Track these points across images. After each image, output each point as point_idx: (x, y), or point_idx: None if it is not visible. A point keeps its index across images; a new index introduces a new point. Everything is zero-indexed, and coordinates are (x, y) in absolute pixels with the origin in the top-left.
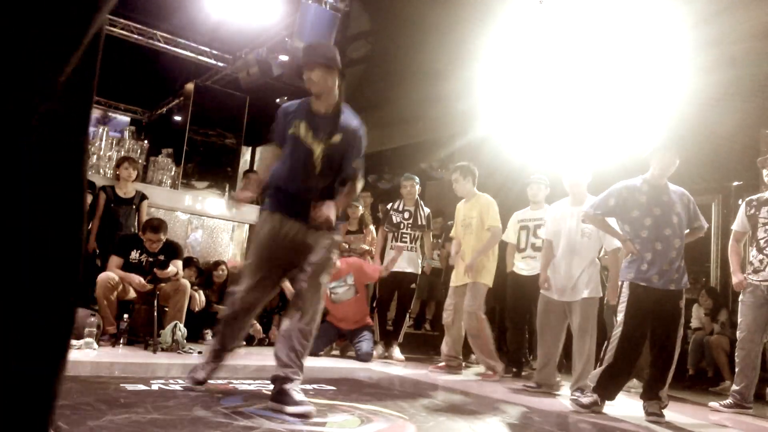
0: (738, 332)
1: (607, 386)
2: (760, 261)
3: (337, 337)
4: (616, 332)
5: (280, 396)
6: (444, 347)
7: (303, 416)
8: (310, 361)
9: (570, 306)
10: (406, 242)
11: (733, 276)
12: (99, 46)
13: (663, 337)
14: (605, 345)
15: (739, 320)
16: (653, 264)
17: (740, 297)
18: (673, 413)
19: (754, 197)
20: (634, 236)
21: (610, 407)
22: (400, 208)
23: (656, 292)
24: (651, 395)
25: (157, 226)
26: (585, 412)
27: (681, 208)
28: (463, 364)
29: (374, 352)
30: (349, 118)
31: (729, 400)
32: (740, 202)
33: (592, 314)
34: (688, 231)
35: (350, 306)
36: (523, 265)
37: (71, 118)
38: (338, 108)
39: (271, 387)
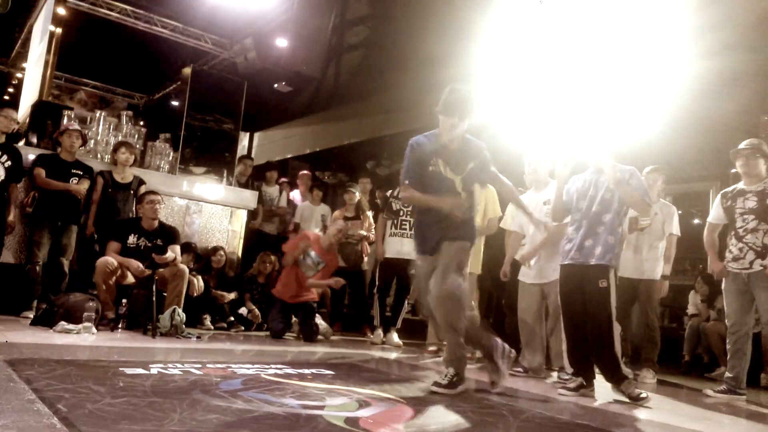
0: (726, 320)
1: (580, 369)
2: (740, 249)
3: (291, 314)
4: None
5: None
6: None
7: None
8: (308, 347)
9: (546, 288)
10: (405, 229)
11: (712, 265)
12: None
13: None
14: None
15: (725, 309)
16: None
17: (722, 286)
18: (667, 399)
19: (728, 189)
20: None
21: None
22: (400, 195)
23: (572, 269)
24: (615, 378)
25: (153, 193)
26: (573, 395)
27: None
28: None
29: (374, 335)
30: (476, 146)
31: (723, 387)
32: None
33: None
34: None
35: (302, 280)
36: (520, 251)
37: None
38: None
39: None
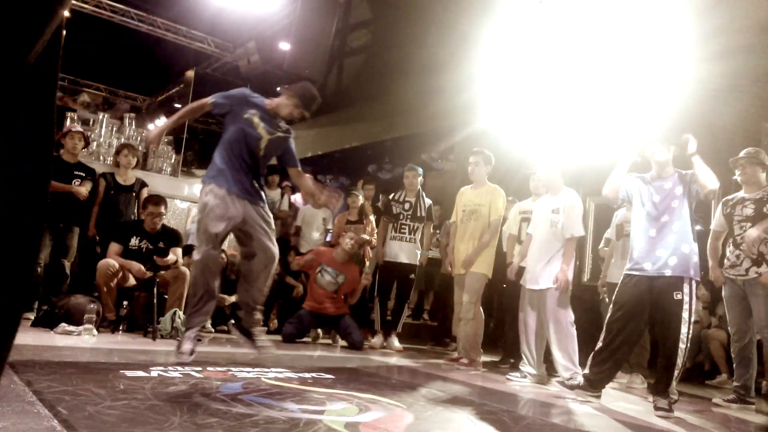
0: (729, 327)
1: (596, 372)
2: (737, 256)
3: (314, 324)
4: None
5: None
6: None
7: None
8: (308, 350)
9: (540, 295)
10: (404, 233)
11: (711, 271)
12: (60, 41)
13: (661, 329)
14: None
15: (727, 316)
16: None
17: (722, 293)
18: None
19: (729, 197)
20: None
21: (611, 402)
22: (401, 199)
23: (645, 280)
24: (657, 389)
25: (158, 200)
26: (572, 393)
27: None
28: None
29: (375, 340)
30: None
31: (732, 396)
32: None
33: (562, 302)
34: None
35: (328, 296)
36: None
37: (35, 105)
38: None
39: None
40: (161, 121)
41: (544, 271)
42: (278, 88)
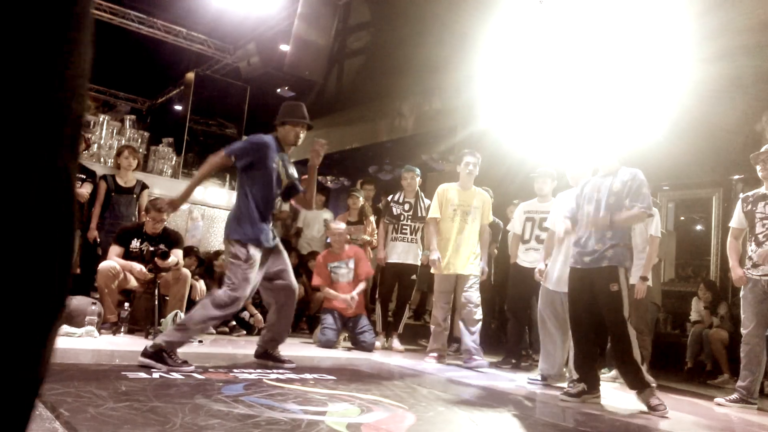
0: (742, 328)
1: (583, 374)
2: (759, 255)
3: (344, 325)
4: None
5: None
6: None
7: None
8: (311, 351)
9: (563, 297)
10: (406, 234)
11: (732, 272)
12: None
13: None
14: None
15: (741, 316)
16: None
17: (741, 293)
18: (676, 408)
19: (749, 193)
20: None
21: (614, 402)
22: (401, 200)
23: (582, 272)
24: (635, 384)
25: (159, 206)
26: (574, 401)
27: (619, 188)
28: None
29: (377, 342)
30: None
31: (735, 396)
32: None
33: None
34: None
35: (349, 289)
36: (526, 257)
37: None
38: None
39: (274, 375)
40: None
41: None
42: (274, 125)
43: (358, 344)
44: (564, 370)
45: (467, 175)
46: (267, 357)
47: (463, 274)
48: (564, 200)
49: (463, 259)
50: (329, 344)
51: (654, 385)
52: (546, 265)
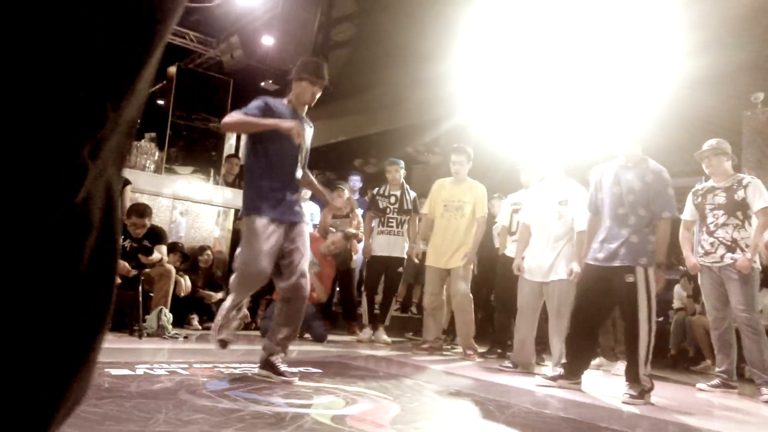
0: (707, 315)
1: (572, 360)
2: (711, 244)
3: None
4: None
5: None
6: (431, 330)
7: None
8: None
9: (547, 287)
10: (392, 227)
11: (686, 261)
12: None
13: (626, 315)
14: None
15: (704, 303)
16: (603, 242)
17: (699, 281)
18: (659, 394)
19: (698, 187)
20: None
21: (596, 390)
22: (386, 193)
23: (599, 269)
24: (628, 377)
25: (142, 210)
26: (550, 385)
27: (640, 187)
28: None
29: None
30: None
31: (716, 381)
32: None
33: (568, 295)
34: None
35: (318, 281)
36: (513, 248)
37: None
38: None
39: (257, 369)
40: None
41: (555, 264)
42: (290, 78)
43: (313, 336)
44: (534, 357)
45: (455, 174)
46: (266, 365)
47: (453, 267)
48: (537, 193)
49: (454, 252)
50: (320, 338)
51: (649, 386)
52: (523, 258)
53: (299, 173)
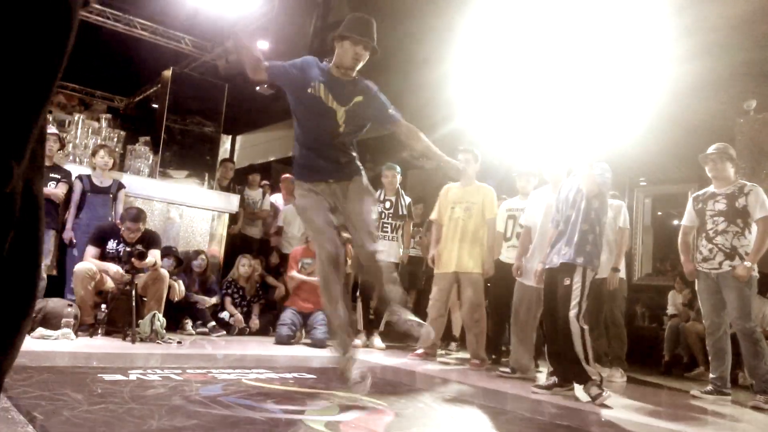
0: (703, 320)
1: (555, 367)
2: (710, 250)
3: (302, 323)
4: None
5: None
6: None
7: None
8: (289, 350)
9: (539, 292)
10: (387, 232)
11: (684, 266)
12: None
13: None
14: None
15: (702, 310)
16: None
17: (696, 287)
18: (653, 401)
19: (699, 193)
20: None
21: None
22: (381, 198)
23: (551, 272)
24: (576, 379)
25: (136, 215)
26: (545, 393)
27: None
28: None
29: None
30: (366, 84)
31: (709, 387)
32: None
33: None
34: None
35: (313, 290)
36: (508, 254)
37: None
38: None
39: (253, 375)
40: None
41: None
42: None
43: (312, 340)
44: (532, 363)
45: (462, 171)
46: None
47: (462, 272)
48: (539, 197)
49: (463, 256)
50: (282, 340)
51: (595, 378)
52: (522, 261)
53: (342, 139)
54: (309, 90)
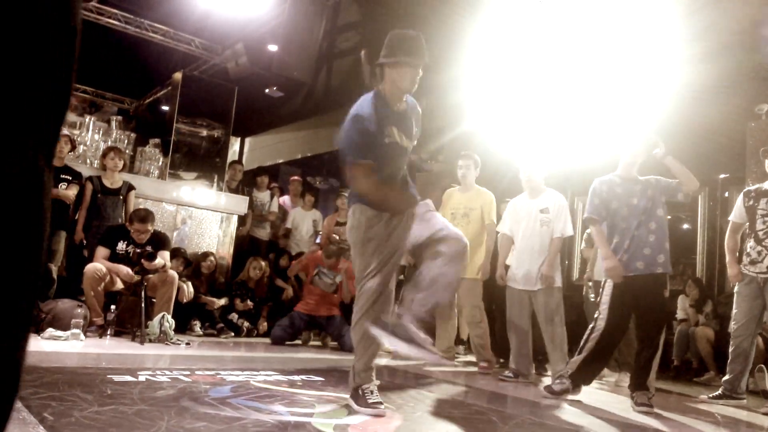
0: (732, 323)
1: (584, 373)
2: (758, 252)
3: (305, 326)
4: (600, 325)
5: None
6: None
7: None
8: (297, 353)
9: (533, 295)
10: None
11: (729, 268)
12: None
13: (648, 326)
14: (586, 334)
15: (734, 311)
16: (632, 251)
17: (735, 288)
18: (662, 406)
19: (752, 188)
20: (614, 227)
21: (588, 397)
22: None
23: (638, 279)
24: (638, 385)
25: (144, 216)
26: (556, 399)
27: (651, 192)
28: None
29: None
30: (413, 103)
31: (719, 391)
32: (726, 194)
33: (555, 302)
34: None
35: (325, 296)
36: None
37: None
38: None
39: (261, 377)
40: None
41: (536, 272)
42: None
43: (342, 346)
44: (533, 366)
45: (462, 178)
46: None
47: (463, 277)
48: (517, 205)
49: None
50: (275, 341)
51: (653, 393)
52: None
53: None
54: (386, 140)
